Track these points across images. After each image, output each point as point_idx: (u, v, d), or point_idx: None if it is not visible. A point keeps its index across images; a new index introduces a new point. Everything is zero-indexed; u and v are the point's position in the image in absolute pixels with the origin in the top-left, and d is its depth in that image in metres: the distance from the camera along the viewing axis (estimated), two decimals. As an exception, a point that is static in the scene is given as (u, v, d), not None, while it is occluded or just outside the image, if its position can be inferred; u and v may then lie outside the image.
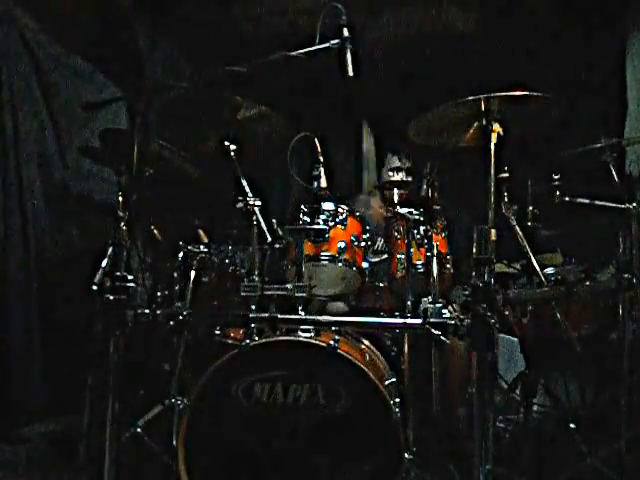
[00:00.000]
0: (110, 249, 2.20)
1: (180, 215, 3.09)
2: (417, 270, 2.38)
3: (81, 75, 3.68)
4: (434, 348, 2.21)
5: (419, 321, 2.08)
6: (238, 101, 2.42)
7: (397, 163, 3.45)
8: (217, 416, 2.10)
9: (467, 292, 1.98)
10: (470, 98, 2.03)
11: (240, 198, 2.36)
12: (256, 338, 2.19)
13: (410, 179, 3.38)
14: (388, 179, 3.41)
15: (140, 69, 4.02)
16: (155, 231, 2.88)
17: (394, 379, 2.39)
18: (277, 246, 2.44)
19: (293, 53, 2.01)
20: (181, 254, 2.64)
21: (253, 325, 2.21)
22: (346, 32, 2.04)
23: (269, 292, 2.24)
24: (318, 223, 2.35)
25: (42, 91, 3.45)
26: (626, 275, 2.49)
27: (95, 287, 2.06)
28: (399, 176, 2.43)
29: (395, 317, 2.28)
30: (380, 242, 3.16)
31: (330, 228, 2.35)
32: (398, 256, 2.47)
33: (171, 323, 2.32)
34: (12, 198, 3.25)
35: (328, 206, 2.38)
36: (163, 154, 2.57)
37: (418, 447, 2.16)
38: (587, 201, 2.63)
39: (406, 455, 2.06)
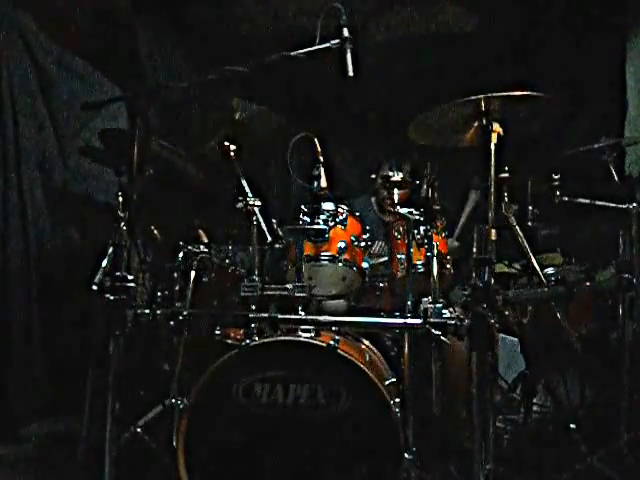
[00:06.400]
0: (110, 249, 2.20)
1: (180, 215, 3.09)
2: (417, 270, 2.38)
3: (81, 75, 3.68)
4: (434, 348, 2.21)
5: (419, 321, 2.08)
6: (233, 103, 2.42)
7: (388, 172, 3.45)
8: (217, 416, 2.09)
9: (467, 292, 1.98)
10: (470, 98, 2.04)
11: (240, 198, 2.36)
12: (256, 338, 2.18)
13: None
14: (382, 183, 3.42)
15: (140, 69, 4.02)
16: (155, 231, 2.88)
17: (394, 379, 2.39)
18: (277, 246, 2.44)
19: (293, 53, 2.01)
20: (181, 254, 2.64)
21: (253, 325, 2.21)
22: (346, 32, 2.03)
23: (269, 292, 2.24)
24: (318, 223, 2.35)
25: (42, 91, 3.45)
26: (626, 275, 2.49)
27: (95, 287, 2.06)
28: (399, 176, 2.43)
29: (395, 317, 2.29)
30: (378, 245, 3.16)
31: (330, 228, 2.35)
32: (398, 256, 2.47)
33: (171, 323, 2.32)
34: (12, 198, 3.25)
35: (328, 206, 2.38)
36: (163, 154, 2.57)
37: (418, 447, 2.16)
38: (587, 201, 2.64)
39: (406, 455, 2.06)
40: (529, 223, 2.68)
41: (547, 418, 2.82)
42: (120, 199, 2.22)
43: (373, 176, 3.51)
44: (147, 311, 2.15)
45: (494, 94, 2.02)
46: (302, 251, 2.29)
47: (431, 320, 2.05)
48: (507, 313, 2.64)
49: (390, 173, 3.43)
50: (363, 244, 2.43)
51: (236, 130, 2.51)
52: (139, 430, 2.48)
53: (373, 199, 3.57)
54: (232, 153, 2.49)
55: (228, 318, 2.52)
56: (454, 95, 2.07)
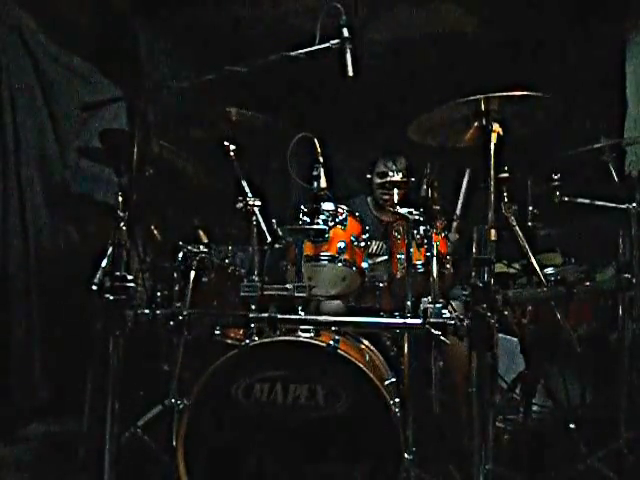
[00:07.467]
0: (110, 249, 2.20)
1: (180, 215, 3.09)
2: (417, 270, 2.38)
3: (81, 75, 3.68)
4: (434, 348, 2.21)
5: (419, 321, 2.08)
6: (231, 113, 2.43)
7: (383, 168, 3.44)
8: (217, 416, 2.09)
9: (467, 292, 1.98)
10: (470, 98, 2.04)
11: (240, 198, 2.36)
12: (256, 338, 2.18)
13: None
14: (380, 182, 3.41)
15: (140, 69, 4.02)
16: (155, 231, 2.88)
17: (394, 379, 2.39)
18: (277, 246, 2.44)
19: (293, 53, 2.01)
20: (181, 254, 2.64)
21: (253, 325, 2.21)
22: (346, 32, 2.03)
23: (269, 292, 2.24)
24: (318, 223, 2.34)
25: (42, 91, 3.45)
26: (626, 275, 2.49)
27: (95, 287, 2.06)
28: (398, 176, 2.43)
29: (395, 317, 2.29)
30: (377, 245, 3.16)
31: (330, 228, 2.35)
32: (398, 256, 2.47)
33: (171, 323, 2.32)
34: (12, 198, 3.25)
35: (328, 206, 2.38)
36: (163, 154, 2.57)
37: (418, 447, 2.16)
38: (587, 201, 2.64)
39: (406, 455, 2.06)
40: (529, 223, 2.68)
41: (547, 418, 2.82)
42: (120, 199, 2.21)
43: (369, 176, 3.52)
44: (147, 311, 2.15)
45: (494, 94, 2.02)
46: (302, 251, 2.29)
47: (431, 320, 2.05)
48: (507, 313, 2.64)
49: (390, 173, 3.44)
50: (363, 244, 2.43)
51: (235, 130, 2.51)
52: (139, 430, 2.48)
53: (369, 199, 3.57)
54: (232, 153, 2.49)
55: (228, 318, 2.52)
56: (454, 95, 2.07)
